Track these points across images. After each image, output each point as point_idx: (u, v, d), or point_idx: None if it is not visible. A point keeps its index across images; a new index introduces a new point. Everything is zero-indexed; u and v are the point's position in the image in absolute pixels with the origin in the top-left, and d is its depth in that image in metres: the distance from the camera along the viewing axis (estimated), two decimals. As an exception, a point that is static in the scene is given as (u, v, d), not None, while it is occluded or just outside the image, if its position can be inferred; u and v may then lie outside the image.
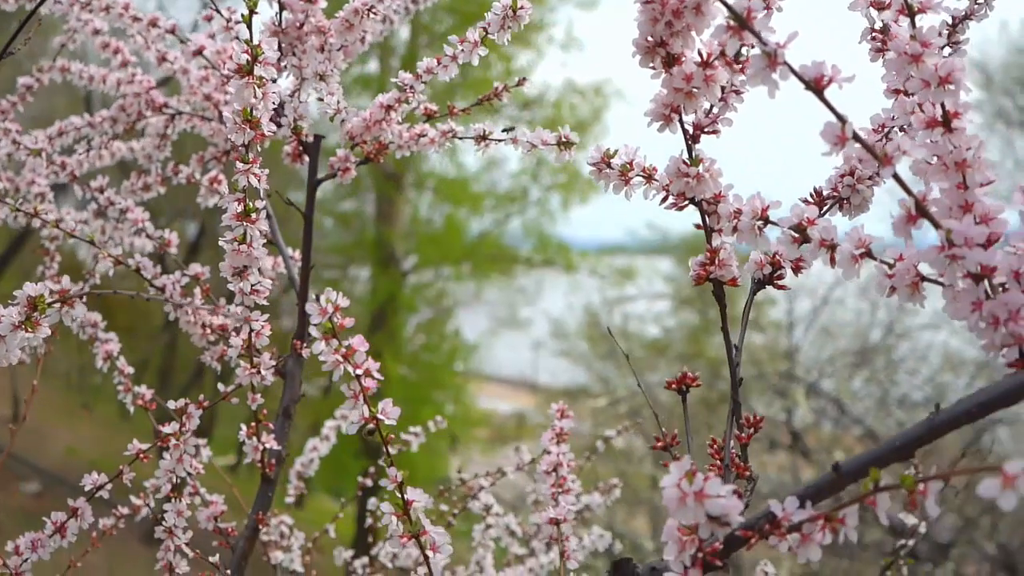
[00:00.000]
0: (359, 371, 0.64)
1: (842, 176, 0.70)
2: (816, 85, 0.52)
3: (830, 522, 0.51)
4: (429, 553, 0.67)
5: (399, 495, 0.67)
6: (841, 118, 0.52)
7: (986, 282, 0.55)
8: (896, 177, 0.53)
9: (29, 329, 0.70)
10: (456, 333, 11.71)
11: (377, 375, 0.65)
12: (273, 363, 0.93)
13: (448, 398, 11.14)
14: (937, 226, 0.53)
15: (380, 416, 0.65)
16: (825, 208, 0.71)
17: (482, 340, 11.94)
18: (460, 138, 0.99)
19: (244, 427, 0.99)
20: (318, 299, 0.63)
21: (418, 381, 10.99)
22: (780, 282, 0.70)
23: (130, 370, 1.13)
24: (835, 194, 0.70)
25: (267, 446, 1.00)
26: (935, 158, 0.56)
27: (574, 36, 10.34)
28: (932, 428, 0.51)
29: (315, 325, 0.63)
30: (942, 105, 0.55)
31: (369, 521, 1.54)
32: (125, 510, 1.15)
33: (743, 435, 0.65)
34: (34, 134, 1.26)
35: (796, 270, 0.69)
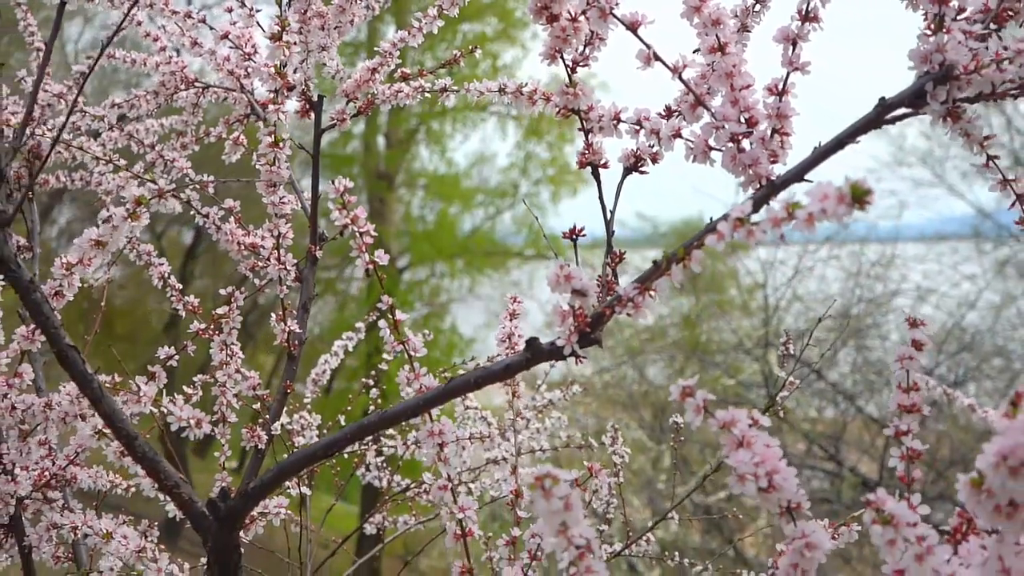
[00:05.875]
0: (362, 230, 0.98)
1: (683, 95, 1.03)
2: (632, 26, 0.86)
3: (647, 291, 0.84)
4: (411, 352, 1.00)
5: (391, 316, 1.00)
6: (648, 46, 0.86)
7: (747, 145, 0.88)
8: (684, 83, 0.86)
9: (134, 219, 1.02)
10: (452, 328, 12.02)
11: (373, 233, 0.98)
12: (295, 261, 1.26)
13: (446, 393, 11.41)
14: (708, 110, 0.86)
15: (376, 259, 0.98)
16: (674, 119, 1.04)
17: (478, 335, 12.25)
18: (428, 92, 1.33)
19: (273, 315, 1.32)
20: (333, 181, 0.96)
21: (416, 377, 11.17)
22: (643, 169, 1.03)
23: (179, 285, 1.45)
24: (679, 108, 1.03)
25: (291, 329, 1.32)
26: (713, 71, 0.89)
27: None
28: (705, 231, 0.84)
29: (331, 199, 0.96)
30: (717, 37, 0.88)
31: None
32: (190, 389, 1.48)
33: (613, 264, 0.98)
34: (93, 108, 1.60)
35: (653, 160, 1.03)
